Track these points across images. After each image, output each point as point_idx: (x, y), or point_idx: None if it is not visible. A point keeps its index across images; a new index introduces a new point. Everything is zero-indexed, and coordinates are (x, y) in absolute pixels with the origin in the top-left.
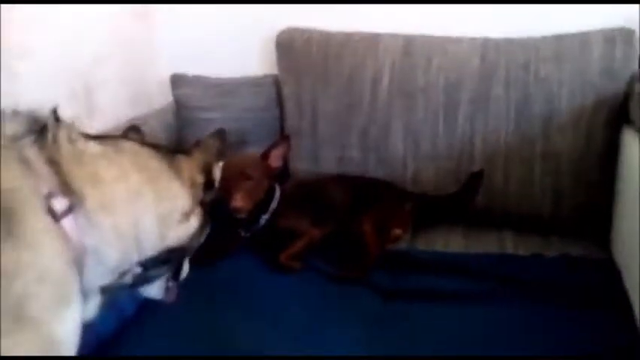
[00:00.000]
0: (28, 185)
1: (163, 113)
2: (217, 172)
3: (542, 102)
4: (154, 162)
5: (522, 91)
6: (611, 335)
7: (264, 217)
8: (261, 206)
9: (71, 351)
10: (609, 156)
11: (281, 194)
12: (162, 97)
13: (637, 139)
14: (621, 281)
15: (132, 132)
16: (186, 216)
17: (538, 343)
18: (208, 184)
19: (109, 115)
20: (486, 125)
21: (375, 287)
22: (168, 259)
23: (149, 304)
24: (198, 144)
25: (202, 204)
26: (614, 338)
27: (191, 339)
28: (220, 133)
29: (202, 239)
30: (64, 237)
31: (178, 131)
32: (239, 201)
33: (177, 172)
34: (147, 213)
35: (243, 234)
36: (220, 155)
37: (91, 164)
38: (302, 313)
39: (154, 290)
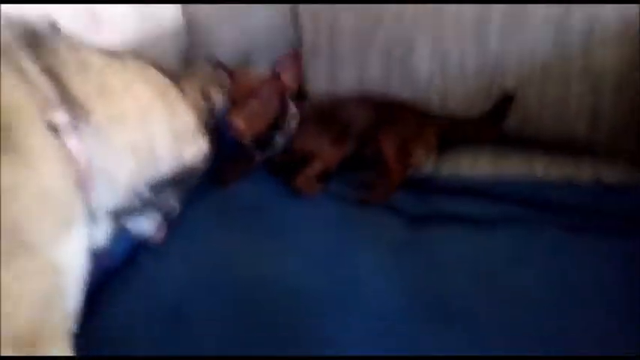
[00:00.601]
0: (25, 97)
1: (174, 31)
2: (217, 99)
3: (583, 14)
4: (160, 79)
5: (563, 6)
6: None
7: (280, 138)
8: (276, 127)
9: (77, 279)
10: None
11: (298, 115)
12: (173, 17)
13: None
14: None
15: None
16: (196, 136)
17: (572, 266)
18: (209, 110)
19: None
20: (520, 42)
21: (398, 212)
22: (179, 182)
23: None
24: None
25: (207, 129)
26: None
27: (210, 263)
28: (214, 61)
29: (210, 163)
30: (68, 154)
31: (191, 51)
32: (238, 121)
33: (182, 91)
34: (161, 127)
35: (257, 157)
36: (216, 81)
37: (96, 74)
38: (323, 237)
39: (144, 225)
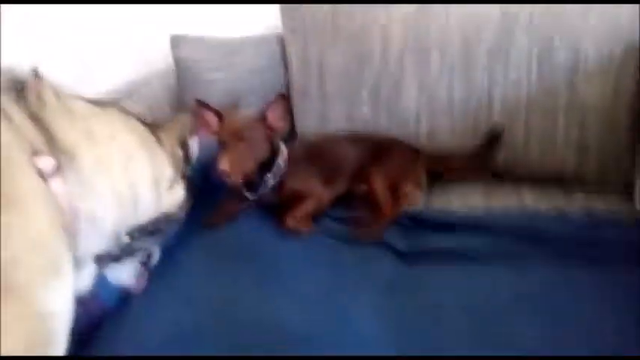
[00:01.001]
0: (14, 143)
1: (164, 75)
2: (194, 146)
3: (567, 50)
4: (141, 127)
5: (546, 40)
6: None
7: (271, 179)
8: (267, 167)
9: (64, 323)
10: (638, 106)
11: (288, 155)
12: (163, 60)
13: None
14: None
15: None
16: (172, 185)
17: (569, 304)
18: (186, 158)
19: (107, 78)
20: (506, 77)
21: (390, 250)
22: (155, 231)
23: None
24: (199, 106)
25: (184, 177)
26: None
27: (200, 306)
28: (195, 107)
29: (184, 214)
30: (55, 199)
31: (180, 93)
32: (225, 164)
33: (159, 141)
34: (142, 175)
35: (249, 197)
36: (194, 130)
37: (82, 121)
38: (315, 277)
39: (124, 275)
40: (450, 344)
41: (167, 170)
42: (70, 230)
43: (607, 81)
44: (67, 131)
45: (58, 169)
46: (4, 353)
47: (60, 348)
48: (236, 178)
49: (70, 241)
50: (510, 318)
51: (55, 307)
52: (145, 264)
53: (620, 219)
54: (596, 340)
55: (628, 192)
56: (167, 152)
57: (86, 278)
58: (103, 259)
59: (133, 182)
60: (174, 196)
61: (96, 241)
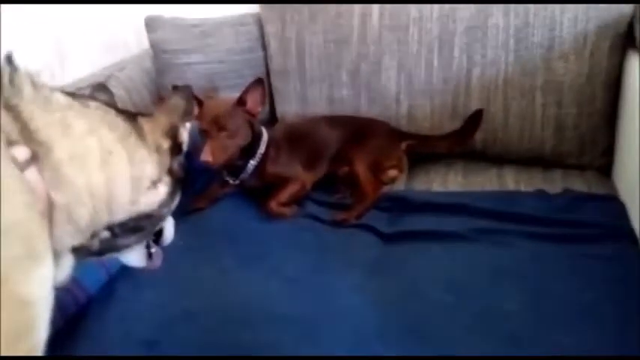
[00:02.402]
0: None
1: (141, 59)
2: (185, 135)
3: (543, 29)
4: (121, 122)
5: (522, 18)
6: (620, 269)
7: (252, 163)
8: (248, 152)
9: (43, 313)
10: (613, 84)
11: (269, 139)
12: (138, 44)
13: None
14: (625, 215)
15: (99, 91)
16: (154, 184)
17: (546, 279)
18: (175, 148)
19: (82, 64)
20: (484, 56)
21: (372, 231)
22: (138, 228)
23: None
24: (161, 103)
25: (171, 172)
26: (623, 272)
27: (187, 290)
28: (185, 90)
29: (174, 206)
30: (31, 187)
31: (158, 77)
32: (208, 154)
33: (141, 135)
34: (120, 174)
35: (231, 181)
36: (187, 116)
37: (58, 112)
38: (298, 260)
39: (133, 258)
40: (431, 318)
41: (148, 168)
42: (46, 220)
43: (582, 60)
44: (42, 123)
45: (33, 160)
46: None
47: (41, 334)
48: (219, 166)
49: (48, 230)
50: (489, 292)
51: (34, 294)
52: (156, 242)
53: (597, 196)
54: (573, 311)
55: (605, 170)
56: (150, 148)
57: (64, 269)
58: (81, 252)
59: (109, 180)
60: (154, 196)
61: (71, 234)
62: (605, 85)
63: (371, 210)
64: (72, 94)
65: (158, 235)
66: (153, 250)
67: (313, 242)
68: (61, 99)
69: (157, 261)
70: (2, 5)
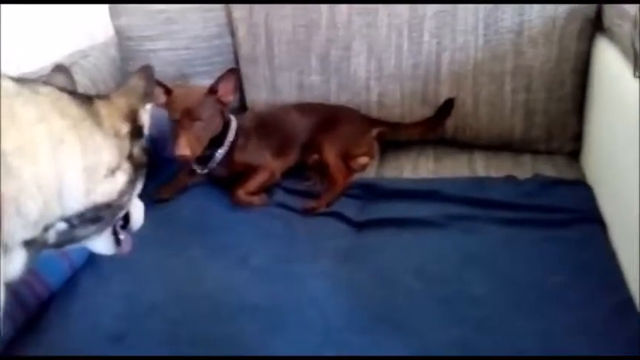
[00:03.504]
0: None
1: (106, 46)
2: (145, 117)
3: (512, 13)
4: (75, 108)
5: (491, 3)
6: (588, 252)
7: (220, 152)
8: (217, 141)
9: None
10: (582, 68)
11: (238, 127)
12: (103, 31)
13: (615, 50)
14: (594, 199)
15: (59, 73)
16: (112, 172)
17: (515, 264)
18: (135, 131)
19: (45, 51)
20: (454, 41)
21: (343, 219)
22: (97, 218)
23: None
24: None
25: (131, 157)
26: (590, 255)
27: (153, 281)
28: (145, 70)
29: (136, 193)
30: None
31: (123, 64)
32: (184, 148)
33: (97, 121)
34: (72, 165)
35: (199, 170)
36: (147, 97)
37: (5, 101)
38: (269, 248)
39: (101, 245)
40: (401, 305)
41: (105, 155)
42: None
43: (551, 45)
44: None
45: None
46: None
47: None
48: (194, 158)
49: None
50: (459, 278)
51: None
52: (123, 227)
53: (566, 181)
54: (541, 296)
55: (575, 155)
56: (107, 133)
57: (16, 263)
58: (35, 245)
59: (60, 171)
60: (112, 185)
61: (21, 227)
62: (574, 70)
63: (341, 198)
64: (21, 80)
65: (126, 220)
66: (121, 236)
67: (283, 231)
68: (8, 86)
69: (126, 247)
70: None
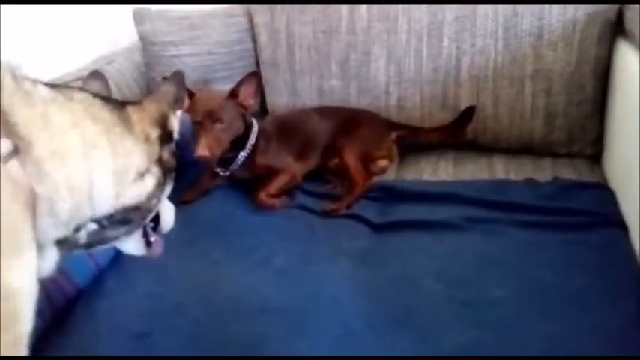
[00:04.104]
0: None
1: (130, 52)
2: (175, 123)
3: (531, 17)
4: (107, 114)
5: (510, 7)
6: (609, 256)
7: (242, 155)
8: (238, 144)
9: (28, 303)
10: (602, 72)
11: (259, 131)
12: (127, 37)
13: (636, 54)
14: (615, 203)
15: (94, 78)
16: (142, 175)
17: (535, 266)
18: (165, 136)
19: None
20: (473, 45)
21: (363, 221)
22: (127, 220)
23: None
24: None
25: (160, 161)
26: (611, 259)
27: (174, 282)
28: (177, 76)
29: (164, 196)
30: (13, 180)
31: (147, 69)
32: (204, 149)
33: (128, 126)
34: (102, 169)
35: (221, 173)
36: (178, 103)
37: (40, 106)
38: (289, 250)
39: (132, 246)
40: (420, 307)
41: (135, 160)
42: (29, 211)
43: (571, 48)
44: (23, 117)
45: (15, 153)
46: None
47: (25, 326)
48: (214, 160)
49: (31, 221)
50: (478, 280)
51: (17, 285)
52: (154, 229)
53: (587, 184)
54: (560, 298)
55: (595, 158)
56: (137, 138)
57: (49, 261)
58: (67, 245)
59: (92, 175)
60: (141, 189)
61: (53, 226)
62: (594, 73)
63: (361, 200)
64: (56, 86)
65: (156, 222)
66: (152, 238)
67: (303, 233)
68: (44, 92)
69: (157, 249)
70: None
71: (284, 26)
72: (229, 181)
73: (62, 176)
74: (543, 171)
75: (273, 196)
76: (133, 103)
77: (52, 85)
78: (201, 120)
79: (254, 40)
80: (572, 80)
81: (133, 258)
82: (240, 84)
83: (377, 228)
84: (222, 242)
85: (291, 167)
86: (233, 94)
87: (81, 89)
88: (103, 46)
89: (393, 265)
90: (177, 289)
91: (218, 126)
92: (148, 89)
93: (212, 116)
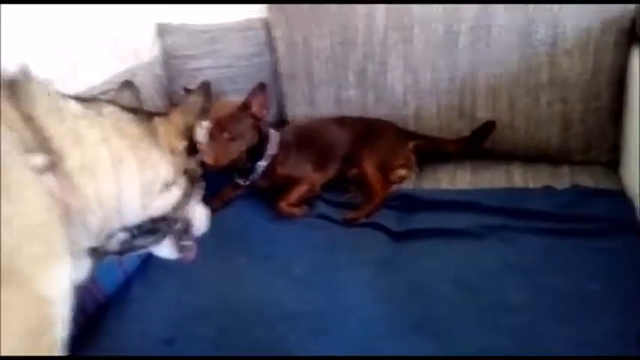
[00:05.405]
0: (7, 138)
1: (151, 65)
2: (201, 134)
3: (546, 26)
4: (134, 128)
5: (526, 16)
6: (626, 262)
7: (261, 165)
8: (256, 154)
9: (63, 309)
10: (618, 79)
11: (279, 141)
12: (149, 50)
13: None
14: (633, 209)
15: (126, 89)
16: (168, 187)
17: (553, 273)
18: (192, 148)
19: (93, 71)
20: (489, 55)
21: (382, 229)
22: (155, 229)
23: (153, 256)
24: (188, 95)
25: (186, 172)
26: (628, 265)
27: (198, 289)
28: (204, 87)
29: (192, 205)
30: (49, 192)
31: (168, 83)
32: (209, 157)
33: (155, 139)
34: (130, 182)
35: (241, 183)
36: (204, 113)
37: (71, 122)
38: (309, 258)
39: (165, 251)
40: (439, 314)
41: (162, 172)
42: (66, 221)
43: (587, 56)
44: (55, 132)
45: (49, 166)
46: (6, 337)
47: (61, 331)
48: (221, 168)
49: (65, 232)
50: (499, 287)
51: (54, 293)
52: (186, 232)
53: (604, 192)
54: (579, 305)
55: (613, 165)
56: (164, 150)
57: (82, 269)
58: (99, 253)
59: (120, 189)
60: (168, 199)
61: (85, 237)
62: (610, 81)
63: (380, 209)
64: (86, 101)
65: (188, 226)
66: (185, 243)
67: (323, 241)
68: (74, 108)
69: (190, 254)
70: (15, 14)
71: (301, 38)
72: (250, 190)
73: (92, 189)
74: (561, 178)
75: (293, 204)
76: (161, 114)
77: (83, 100)
78: (212, 129)
79: (272, 53)
80: (588, 88)
81: (158, 265)
82: (250, 96)
83: (396, 236)
84: (244, 250)
85: (310, 177)
86: (245, 105)
87: (110, 102)
88: (125, 60)
89: (412, 273)
90: (201, 295)
91: (225, 135)
92: (170, 102)
93: (220, 125)
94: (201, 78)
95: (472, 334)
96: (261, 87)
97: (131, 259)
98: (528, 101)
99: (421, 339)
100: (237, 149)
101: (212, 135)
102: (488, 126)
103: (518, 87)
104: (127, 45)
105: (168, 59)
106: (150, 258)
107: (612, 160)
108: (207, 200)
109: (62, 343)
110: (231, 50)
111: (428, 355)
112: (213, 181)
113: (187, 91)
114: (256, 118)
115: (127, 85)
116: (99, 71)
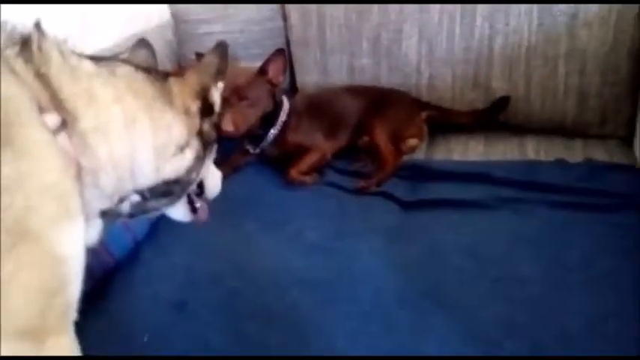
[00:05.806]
0: (22, 96)
1: (162, 29)
2: (216, 95)
3: None
4: (148, 88)
5: None
6: (638, 236)
7: (272, 133)
8: (269, 121)
9: (77, 269)
10: (637, 54)
11: (290, 108)
12: (160, 14)
13: None
14: None
15: (141, 47)
16: (181, 149)
17: (565, 246)
18: (206, 109)
19: (104, 34)
20: (507, 24)
21: (393, 199)
22: (168, 192)
23: (162, 222)
24: (199, 60)
25: (200, 134)
26: None
27: (208, 254)
28: (221, 48)
29: (205, 168)
30: (63, 151)
31: (179, 47)
32: (229, 124)
33: (169, 99)
34: (143, 143)
35: (251, 150)
36: (220, 75)
37: (85, 81)
38: (320, 226)
39: (178, 213)
40: (449, 283)
41: (175, 133)
42: (77, 182)
43: (607, 28)
44: (69, 92)
45: (63, 126)
46: (20, 296)
47: (75, 291)
48: (239, 135)
49: (79, 192)
50: (508, 259)
51: (68, 251)
52: (199, 195)
53: (618, 166)
54: (590, 278)
55: (628, 139)
56: (178, 111)
57: (93, 231)
58: (111, 215)
59: (133, 150)
60: (181, 162)
61: (98, 198)
62: (630, 54)
63: (391, 178)
64: (100, 60)
65: (201, 188)
66: (197, 204)
67: (334, 209)
68: (88, 67)
69: (203, 215)
70: None
71: (315, 5)
72: (260, 158)
73: (105, 150)
74: (575, 152)
75: (304, 172)
76: (176, 74)
77: (97, 59)
78: (228, 96)
79: (285, 18)
80: (607, 61)
81: (168, 230)
82: (268, 61)
83: (406, 206)
84: (254, 216)
85: (321, 145)
86: (262, 71)
87: (124, 62)
88: (135, 24)
89: (422, 242)
90: (211, 260)
91: (244, 102)
92: (180, 67)
93: (239, 93)
94: (212, 42)
95: (483, 305)
96: (279, 52)
97: (141, 224)
98: (545, 72)
99: (433, 307)
100: (255, 116)
101: (230, 102)
102: (503, 101)
103: (536, 58)
104: (137, 8)
105: (179, 23)
106: (159, 223)
107: (628, 134)
108: (216, 165)
109: (76, 303)
110: (243, 15)
111: (440, 322)
112: (221, 147)
113: (199, 55)
114: (272, 85)
115: (143, 43)
116: (109, 34)
